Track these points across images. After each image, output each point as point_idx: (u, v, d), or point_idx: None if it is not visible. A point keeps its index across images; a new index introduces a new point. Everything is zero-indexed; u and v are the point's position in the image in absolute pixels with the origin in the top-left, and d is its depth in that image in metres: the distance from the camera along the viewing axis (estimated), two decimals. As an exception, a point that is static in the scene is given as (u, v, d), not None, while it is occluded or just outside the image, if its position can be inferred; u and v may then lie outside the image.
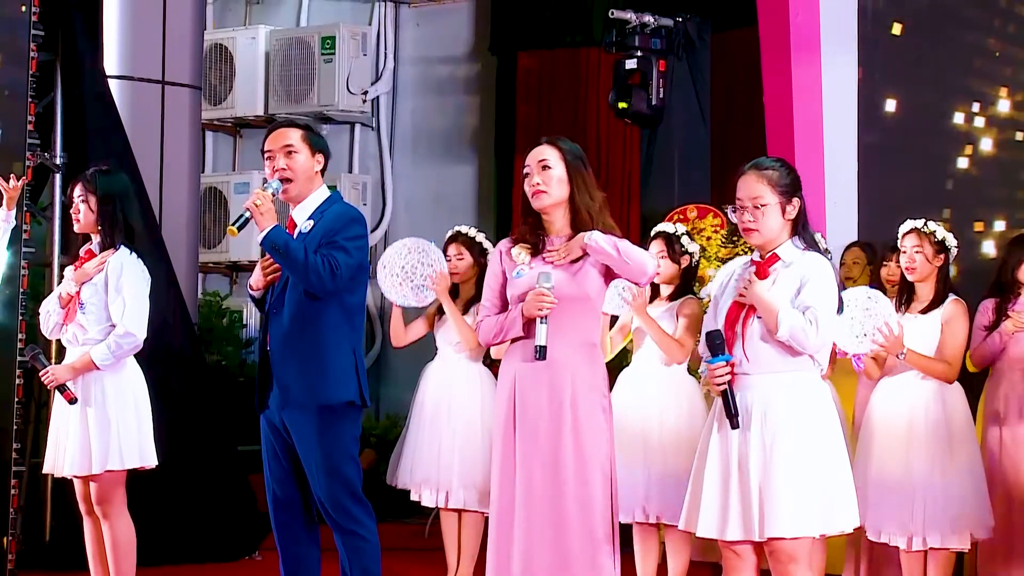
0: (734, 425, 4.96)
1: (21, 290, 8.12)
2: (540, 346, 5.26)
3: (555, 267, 5.33)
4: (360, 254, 5.63)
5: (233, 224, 5.52)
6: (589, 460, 5.28)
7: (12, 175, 6.91)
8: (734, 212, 5.09)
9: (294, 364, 5.58)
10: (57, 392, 6.36)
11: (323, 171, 5.74)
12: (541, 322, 5.26)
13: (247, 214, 5.50)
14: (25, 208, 7.99)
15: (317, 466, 5.55)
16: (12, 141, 8.13)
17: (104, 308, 6.37)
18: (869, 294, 6.65)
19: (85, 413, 6.35)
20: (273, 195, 5.56)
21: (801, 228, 5.08)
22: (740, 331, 5.00)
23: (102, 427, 6.32)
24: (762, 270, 5.05)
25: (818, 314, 4.91)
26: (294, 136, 5.66)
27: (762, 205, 5.02)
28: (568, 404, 5.29)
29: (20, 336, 8.14)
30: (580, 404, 5.30)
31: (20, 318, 8.13)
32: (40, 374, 6.41)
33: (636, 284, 5.30)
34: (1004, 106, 8.59)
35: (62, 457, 6.40)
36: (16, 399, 8.08)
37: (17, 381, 8.09)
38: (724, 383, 4.96)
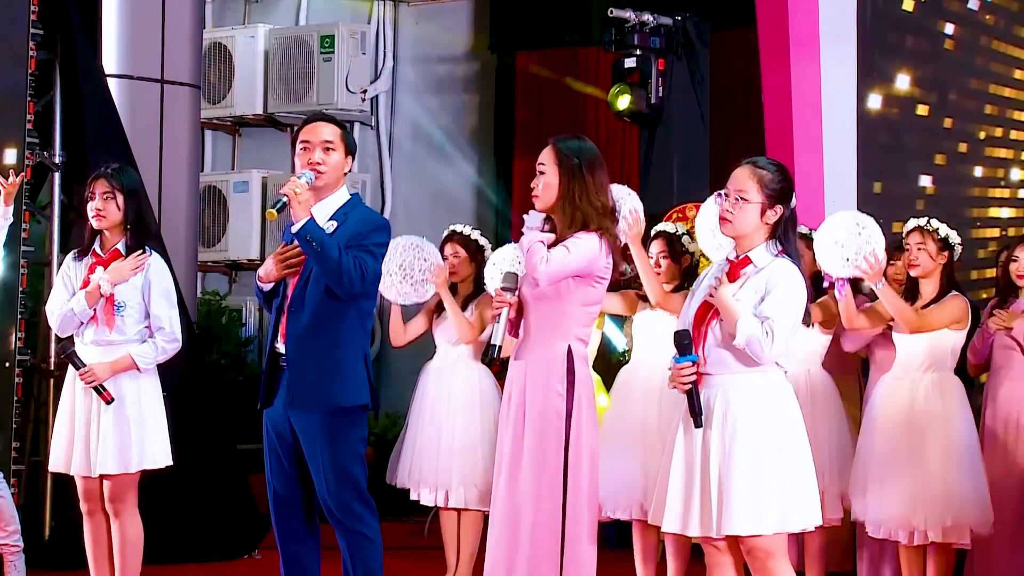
0: (697, 424, 4.98)
1: (20, 289, 8.12)
2: (491, 344, 5.34)
3: None
4: (382, 261, 5.64)
5: (272, 207, 5.43)
6: (535, 459, 5.31)
7: (11, 171, 6.90)
8: (718, 198, 5.10)
9: (312, 365, 5.53)
10: (95, 392, 6.27)
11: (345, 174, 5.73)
12: (496, 321, 5.31)
13: (285, 199, 5.43)
14: (24, 207, 7.99)
15: (325, 466, 5.53)
16: (11, 140, 8.14)
17: (142, 310, 6.35)
18: (858, 220, 6.59)
19: (124, 412, 6.30)
20: (307, 185, 5.52)
21: (781, 235, 5.06)
22: (704, 331, 5.03)
23: (139, 427, 6.31)
24: (733, 272, 5.06)
25: (774, 326, 4.91)
26: (334, 133, 5.61)
27: (743, 199, 5.03)
28: (526, 402, 5.35)
29: (19, 335, 8.15)
30: (535, 402, 5.33)
31: (19, 316, 8.13)
32: (80, 374, 6.30)
33: (532, 276, 5.30)
34: (1003, 104, 8.61)
35: (84, 456, 6.33)
36: (15, 398, 8.09)
37: (16, 380, 8.10)
38: (690, 383, 4.97)
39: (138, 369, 6.31)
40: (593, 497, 5.42)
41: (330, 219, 5.58)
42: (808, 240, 7.00)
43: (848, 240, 6.52)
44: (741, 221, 5.04)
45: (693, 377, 4.97)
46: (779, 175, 5.07)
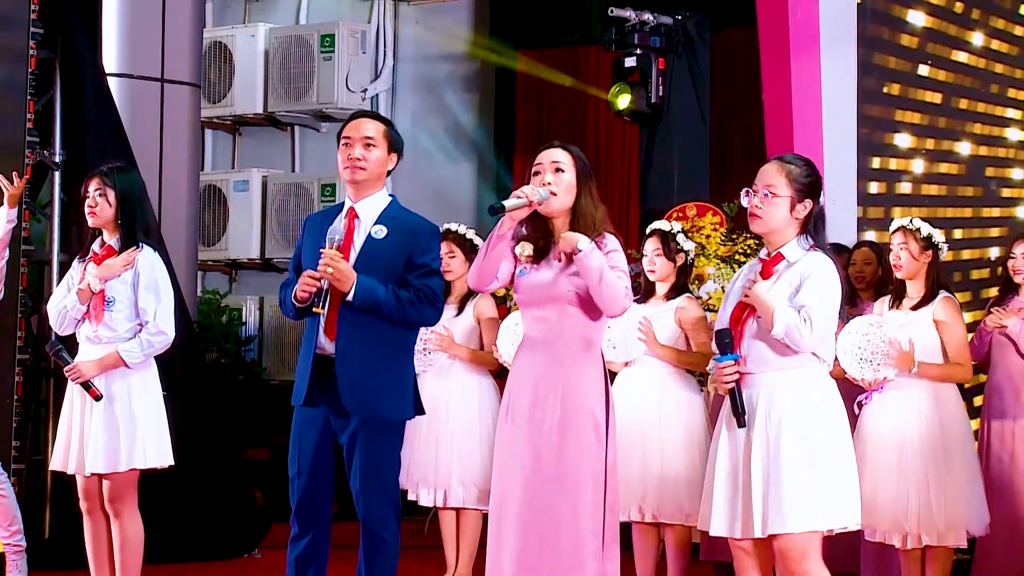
0: (741, 424, 4.97)
1: (20, 288, 8.12)
2: (501, 204, 5.24)
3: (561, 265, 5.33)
4: (441, 268, 5.70)
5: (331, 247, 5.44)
6: (576, 459, 5.26)
7: (14, 173, 6.90)
8: (746, 195, 5.10)
9: (376, 373, 5.49)
10: (82, 388, 6.26)
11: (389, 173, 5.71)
12: (517, 197, 5.24)
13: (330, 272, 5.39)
14: (24, 206, 7.99)
15: (363, 468, 5.48)
16: (11, 139, 8.14)
17: (133, 306, 6.32)
18: (871, 321, 6.61)
19: (112, 411, 6.28)
20: (337, 245, 5.48)
21: (812, 230, 5.08)
22: (742, 331, 5.03)
23: (129, 425, 6.28)
24: (767, 269, 5.07)
25: (812, 313, 4.92)
26: (376, 130, 5.60)
27: (773, 194, 5.04)
28: (558, 402, 5.29)
29: (19, 334, 8.15)
30: (569, 402, 5.29)
31: (19, 316, 8.13)
32: (65, 370, 6.30)
33: (610, 314, 5.27)
34: (1001, 105, 8.62)
35: (78, 455, 6.32)
36: (15, 397, 8.09)
37: (16, 379, 8.09)
38: (732, 382, 4.97)
39: (126, 365, 6.30)
40: (618, 498, 5.43)
41: (377, 223, 5.55)
42: (838, 249, 6.90)
43: (862, 344, 6.51)
44: (771, 216, 5.06)
45: (735, 376, 4.97)
46: (807, 169, 5.10)
